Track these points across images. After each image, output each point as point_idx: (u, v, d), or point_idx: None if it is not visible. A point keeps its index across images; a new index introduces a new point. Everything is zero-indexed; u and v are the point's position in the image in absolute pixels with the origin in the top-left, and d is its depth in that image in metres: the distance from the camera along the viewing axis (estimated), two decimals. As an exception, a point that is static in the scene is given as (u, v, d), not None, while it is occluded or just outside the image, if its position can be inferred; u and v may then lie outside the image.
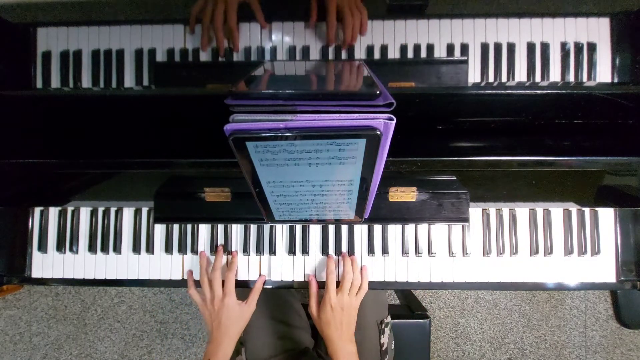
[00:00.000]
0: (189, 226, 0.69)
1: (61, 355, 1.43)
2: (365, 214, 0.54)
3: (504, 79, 0.65)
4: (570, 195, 0.63)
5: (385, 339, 0.79)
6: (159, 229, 0.70)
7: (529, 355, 1.40)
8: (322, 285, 0.67)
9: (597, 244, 0.67)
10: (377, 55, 0.65)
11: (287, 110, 0.37)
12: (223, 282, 0.65)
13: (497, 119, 0.47)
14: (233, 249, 0.69)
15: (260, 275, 0.68)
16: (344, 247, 0.68)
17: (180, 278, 0.69)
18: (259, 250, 0.68)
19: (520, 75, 0.65)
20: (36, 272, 0.70)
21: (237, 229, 0.69)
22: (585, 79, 0.64)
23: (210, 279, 0.65)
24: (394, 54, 0.65)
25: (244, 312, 0.64)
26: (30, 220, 0.70)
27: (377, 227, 0.68)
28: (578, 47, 0.64)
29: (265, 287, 0.68)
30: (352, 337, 0.63)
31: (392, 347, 0.83)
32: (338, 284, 0.65)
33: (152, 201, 0.66)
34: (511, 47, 0.64)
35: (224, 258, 0.68)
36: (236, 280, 0.67)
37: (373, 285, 0.67)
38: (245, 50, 0.66)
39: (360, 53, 0.66)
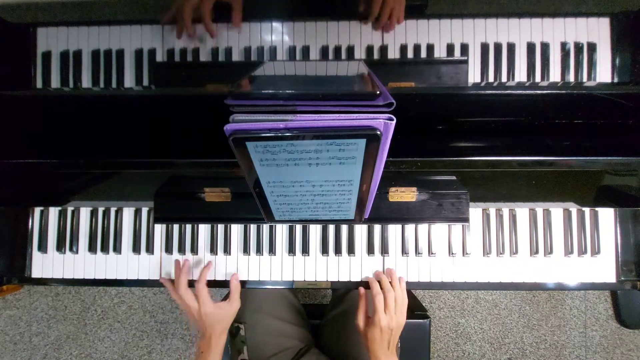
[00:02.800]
0: (189, 226, 0.69)
1: (61, 355, 1.43)
2: (365, 214, 0.54)
3: (504, 79, 0.65)
4: (570, 195, 0.63)
5: None
6: (159, 229, 0.70)
7: (529, 355, 1.40)
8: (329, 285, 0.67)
9: (597, 244, 0.67)
10: (377, 55, 0.65)
11: (287, 110, 0.37)
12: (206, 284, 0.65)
13: (497, 119, 0.46)
14: (233, 249, 0.69)
15: (233, 274, 0.68)
16: (344, 247, 0.68)
17: (180, 278, 0.69)
18: (259, 250, 0.68)
19: (520, 75, 0.65)
20: (36, 272, 0.70)
21: (237, 229, 0.69)
22: (585, 79, 0.64)
23: (179, 297, 0.64)
24: (394, 54, 0.65)
25: (225, 313, 0.64)
26: (30, 220, 0.70)
27: (377, 227, 0.68)
28: (578, 47, 0.64)
29: (265, 287, 0.69)
30: (394, 350, 0.65)
31: (399, 345, 0.83)
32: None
33: (152, 201, 0.66)
34: (511, 47, 0.64)
35: (195, 273, 0.68)
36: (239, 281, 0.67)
37: (373, 285, 0.67)
38: (245, 50, 0.66)
39: (360, 53, 0.66)
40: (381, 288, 0.63)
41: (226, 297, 0.67)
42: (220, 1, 0.61)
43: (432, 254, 0.68)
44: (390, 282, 0.64)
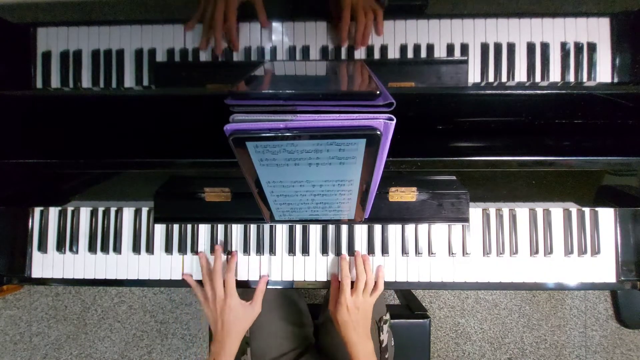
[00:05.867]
0: (189, 226, 0.69)
1: (61, 355, 1.43)
2: (365, 214, 0.54)
3: (504, 79, 0.65)
4: (570, 195, 0.63)
5: (384, 336, 0.79)
6: (159, 229, 0.70)
7: (529, 355, 1.40)
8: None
9: (597, 244, 0.67)
10: (377, 55, 0.65)
11: (287, 110, 0.37)
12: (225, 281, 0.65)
13: (497, 119, 0.46)
14: (233, 249, 0.69)
15: (261, 276, 0.68)
16: (344, 247, 0.68)
17: (180, 278, 0.69)
18: (259, 250, 0.68)
19: (520, 75, 0.65)
20: (36, 272, 0.70)
21: (237, 229, 0.69)
22: (585, 79, 0.64)
23: (211, 279, 0.64)
24: (394, 54, 0.65)
25: (248, 314, 0.64)
26: (30, 220, 0.70)
27: (377, 227, 0.68)
28: (578, 47, 0.64)
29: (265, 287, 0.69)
30: (369, 335, 0.64)
31: (392, 344, 0.83)
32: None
33: (152, 201, 0.66)
34: (511, 47, 0.64)
35: (224, 257, 0.68)
36: (237, 281, 0.67)
37: (373, 285, 0.67)
38: (245, 50, 0.66)
39: (360, 53, 0.65)
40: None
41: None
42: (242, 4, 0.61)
43: (432, 254, 0.68)
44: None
